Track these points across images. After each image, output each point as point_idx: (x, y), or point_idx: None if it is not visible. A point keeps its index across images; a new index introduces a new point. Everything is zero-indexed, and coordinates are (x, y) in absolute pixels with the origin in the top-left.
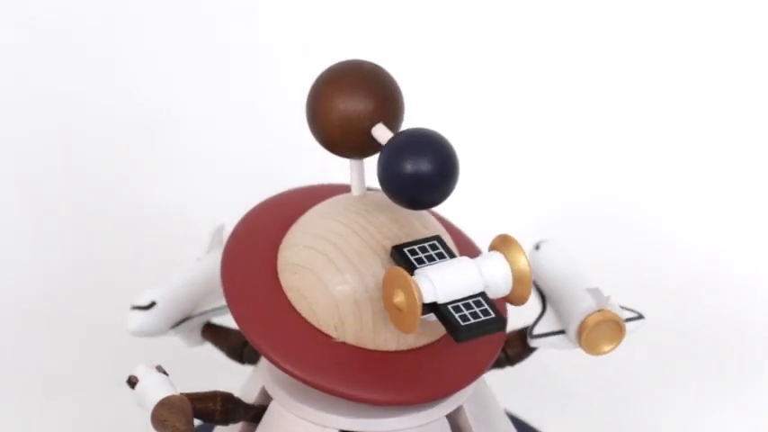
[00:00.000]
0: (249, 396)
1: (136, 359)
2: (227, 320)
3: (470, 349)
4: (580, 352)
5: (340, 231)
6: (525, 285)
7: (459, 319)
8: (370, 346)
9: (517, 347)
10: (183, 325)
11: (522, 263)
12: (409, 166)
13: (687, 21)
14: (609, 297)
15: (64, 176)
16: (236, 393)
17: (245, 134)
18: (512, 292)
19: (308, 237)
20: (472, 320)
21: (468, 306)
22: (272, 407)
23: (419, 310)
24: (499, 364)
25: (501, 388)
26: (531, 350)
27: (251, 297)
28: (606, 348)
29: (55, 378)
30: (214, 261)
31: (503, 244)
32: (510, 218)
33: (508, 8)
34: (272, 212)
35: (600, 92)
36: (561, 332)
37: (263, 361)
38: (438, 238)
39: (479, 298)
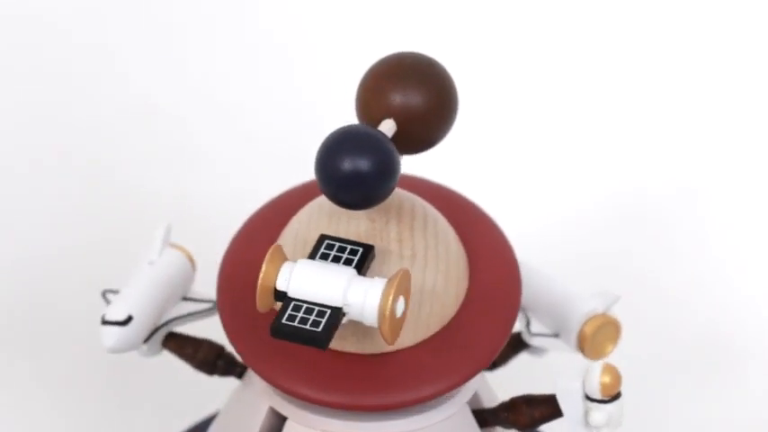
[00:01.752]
0: (248, 421)
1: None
2: (188, 329)
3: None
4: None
5: (322, 212)
6: (385, 325)
7: (285, 317)
8: None
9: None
10: (153, 337)
11: (386, 304)
12: (346, 164)
13: (694, 41)
14: (618, 297)
15: (81, 169)
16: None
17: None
18: (379, 325)
19: (302, 211)
20: (295, 324)
21: (309, 311)
22: (288, 428)
23: (262, 290)
24: None
25: (501, 388)
26: (515, 352)
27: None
28: (609, 349)
29: (53, 376)
30: (167, 263)
31: (393, 277)
32: (516, 218)
33: (519, 27)
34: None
35: (609, 98)
36: (555, 336)
37: (262, 381)
38: (368, 247)
39: (328, 311)
